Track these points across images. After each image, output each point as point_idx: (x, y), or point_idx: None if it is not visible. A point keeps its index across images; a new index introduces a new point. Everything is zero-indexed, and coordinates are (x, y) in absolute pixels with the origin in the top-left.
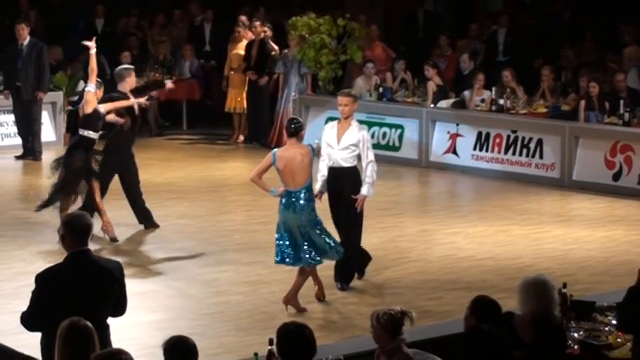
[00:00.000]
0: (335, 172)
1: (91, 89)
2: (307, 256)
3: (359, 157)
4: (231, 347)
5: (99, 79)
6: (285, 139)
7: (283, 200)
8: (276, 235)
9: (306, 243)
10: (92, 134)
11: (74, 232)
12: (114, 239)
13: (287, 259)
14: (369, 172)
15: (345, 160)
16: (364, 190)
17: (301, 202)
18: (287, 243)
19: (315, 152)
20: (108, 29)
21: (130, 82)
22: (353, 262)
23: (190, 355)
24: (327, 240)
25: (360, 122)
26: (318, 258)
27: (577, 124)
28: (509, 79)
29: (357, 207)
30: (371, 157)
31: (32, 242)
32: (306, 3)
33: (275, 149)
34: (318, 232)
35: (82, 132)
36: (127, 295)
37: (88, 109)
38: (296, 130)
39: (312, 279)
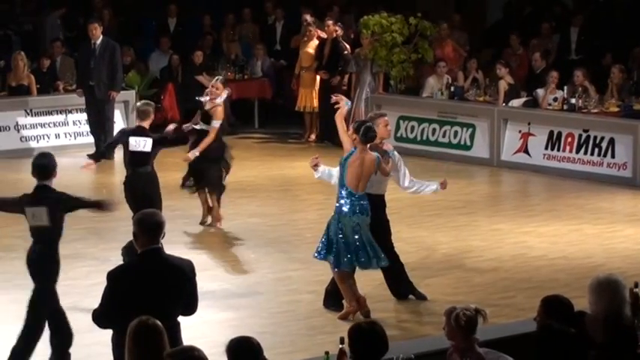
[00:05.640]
0: (370, 200)
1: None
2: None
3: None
4: (303, 346)
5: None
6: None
7: (346, 201)
8: (335, 235)
9: (358, 244)
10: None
11: (146, 229)
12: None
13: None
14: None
15: (379, 188)
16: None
17: (364, 204)
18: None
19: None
20: (180, 29)
21: (152, 118)
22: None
23: (255, 355)
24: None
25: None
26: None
27: None
28: (581, 78)
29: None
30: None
31: (105, 240)
32: (378, 2)
33: (354, 149)
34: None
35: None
36: (197, 294)
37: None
38: (368, 139)
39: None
